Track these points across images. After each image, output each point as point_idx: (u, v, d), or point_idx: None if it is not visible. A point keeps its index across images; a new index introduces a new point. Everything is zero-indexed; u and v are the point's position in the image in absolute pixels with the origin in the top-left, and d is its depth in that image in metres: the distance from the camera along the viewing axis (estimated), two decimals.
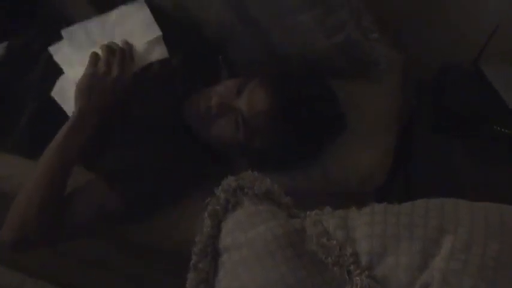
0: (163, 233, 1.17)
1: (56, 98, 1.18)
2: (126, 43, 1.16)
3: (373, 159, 1.20)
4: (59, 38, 1.22)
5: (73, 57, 1.18)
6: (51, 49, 1.21)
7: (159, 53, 1.19)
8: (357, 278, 0.76)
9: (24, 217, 1.05)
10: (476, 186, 1.26)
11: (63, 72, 1.19)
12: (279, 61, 1.31)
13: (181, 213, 1.16)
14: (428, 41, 1.57)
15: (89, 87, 1.10)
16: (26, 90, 1.25)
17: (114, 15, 1.23)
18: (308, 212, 0.87)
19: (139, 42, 1.18)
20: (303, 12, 1.24)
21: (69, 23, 1.27)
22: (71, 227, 1.07)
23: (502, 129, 1.34)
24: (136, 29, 1.20)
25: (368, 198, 1.22)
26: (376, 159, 1.21)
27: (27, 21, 1.36)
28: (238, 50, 1.36)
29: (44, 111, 1.22)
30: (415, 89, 1.54)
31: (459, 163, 1.34)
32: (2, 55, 1.29)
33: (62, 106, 1.17)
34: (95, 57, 1.13)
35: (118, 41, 1.17)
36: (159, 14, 1.37)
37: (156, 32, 1.20)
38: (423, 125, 1.48)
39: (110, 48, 1.14)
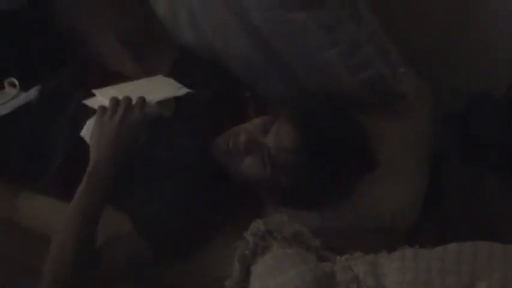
0: (191, 275, 1.17)
1: (85, 138, 1.20)
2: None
3: (404, 196, 1.19)
4: (89, 80, 1.25)
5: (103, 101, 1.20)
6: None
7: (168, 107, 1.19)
8: None
9: (56, 274, 1.05)
10: (509, 221, 1.23)
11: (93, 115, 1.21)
12: (306, 97, 1.31)
13: (210, 254, 1.16)
14: (457, 70, 1.56)
15: (97, 134, 1.11)
16: (58, 132, 1.27)
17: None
18: (338, 257, 0.86)
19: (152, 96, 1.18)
20: (328, 49, 1.25)
21: (99, 64, 1.30)
22: (103, 278, 1.07)
23: None
24: (155, 87, 1.23)
25: (399, 236, 1.20)
26: (408, 196, 1.19)
27: (58, 65, 1.39)
28: (266, 86, 1.37)
29: (76, 153, 1.23)
30: (444, 120, 1.52)
31: (491, 197, 1.31)
32: (35, 98, 1.32)
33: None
34: (102, 108, 1.13)
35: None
36: (186, 51, 1.40)
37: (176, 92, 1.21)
38: (453, 157, 1.46)
39: (116, 98, 1.13)
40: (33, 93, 1.30)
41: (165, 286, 1.22)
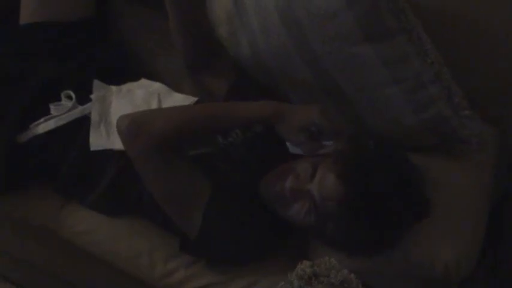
0: None
1: (99, 148, 1.25)
2: None
3: (460, 246, 1.12)
4: None
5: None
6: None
7: None
8: None
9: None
10: None
11: None
12: (361, 133, 1.27)
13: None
14: None
15: None
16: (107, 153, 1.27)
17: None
18: None
19: None
20: (391, 86, 1.20)
21: None
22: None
23: None
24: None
25: (450, 285, 1.14)
26: (463, 246, 1.13)
27: (115, 79, 1.40)
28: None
29: (124, 173, 1.23)
30: (508, 166, 1.45)
31: None
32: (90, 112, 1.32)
33: (113, 146, 1.24)
34: None
35: None
36: (245, 75, 1.39)
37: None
38: None
39: None
40: (88, 106, 1.31)
41: None
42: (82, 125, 1.29)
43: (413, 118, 1.22)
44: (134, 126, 1.10)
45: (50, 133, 1.27)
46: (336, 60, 1.22)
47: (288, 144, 1.20)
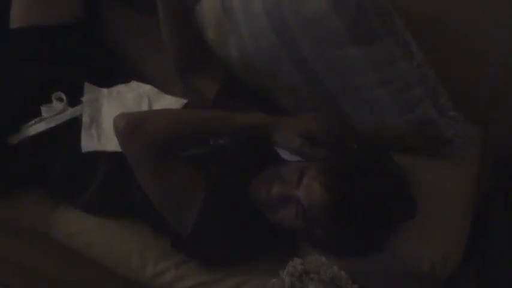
0: None
1: (90, 150, 1.26)
2: None
3: (446, 244, 1.15)
4: None
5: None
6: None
7: None
8: None
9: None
10: None
11: None
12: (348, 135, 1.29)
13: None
14: (508, 115, 1.51)
15: None
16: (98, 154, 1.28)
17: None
18: None
19: None
20: (378, 88, 1.23)
21: None
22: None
23: None
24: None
25: (438, 283, 1.16)
26: (449, 245, 1.15)
27: (104, 82, 1.41)
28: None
29: (116, 174, 1.24)
30: (493, 166, 1.48)
31: None
32: (81, 114, 1.33)
33: (105, 148, 1.25)
34: None
35: None
36: (233, 78, 1.41)
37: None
38: (500, 204, 1.41)
39: None
40: (79, 108, 1.32)
41: None
42: (73, 127, 1.29)
43: (399, 119, 1.25)
44: (131, 125, 1.12)
45: (40, 135, 1.28)
46: (324, 63, 1.24)
47: (280, 151, 1.20)
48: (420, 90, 1.22)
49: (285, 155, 1.18)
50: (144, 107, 1.34)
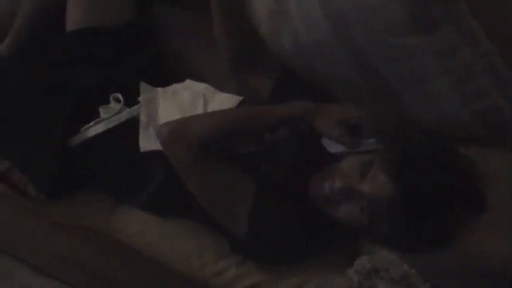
0: None
1: (148, 149, 1.25)
2: None
3: None
4: None
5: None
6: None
7: None
8: None
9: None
10: None
11: None
12: (409, 127, 1.25)
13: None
14: None
15: None
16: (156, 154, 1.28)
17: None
18: None
19: None
20: (440, 77, 1.18)
21: None
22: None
23: None
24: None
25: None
26: None
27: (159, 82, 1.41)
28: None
29: (174, 173, 1.23)
30: None
31: None
32: (139, 114, 1.34)
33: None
34: None
35: None
36: (288, 73, 1.39)
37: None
38: None
39: None
40: (136, 108, 1.32)
41: None
42: (130, 127, 1.30)
43: (464, 109, 1.20)
44: (174, 133, 1.13)
45: (99, 136, 1.29)
46: (382, 53, 1.21)
47: (325, 142, 1.18)
48: (487, 78, 1.17)
49: (330, 147, 1.16)
50: (200, 106, 1.33)
